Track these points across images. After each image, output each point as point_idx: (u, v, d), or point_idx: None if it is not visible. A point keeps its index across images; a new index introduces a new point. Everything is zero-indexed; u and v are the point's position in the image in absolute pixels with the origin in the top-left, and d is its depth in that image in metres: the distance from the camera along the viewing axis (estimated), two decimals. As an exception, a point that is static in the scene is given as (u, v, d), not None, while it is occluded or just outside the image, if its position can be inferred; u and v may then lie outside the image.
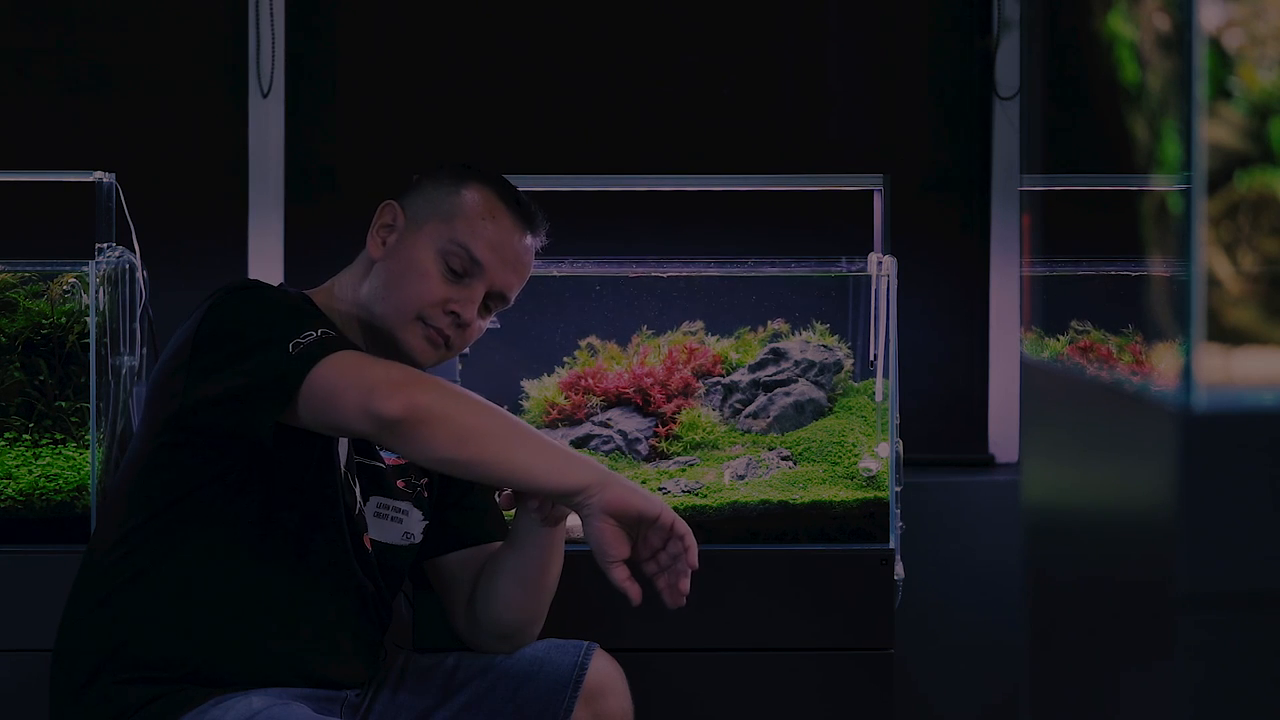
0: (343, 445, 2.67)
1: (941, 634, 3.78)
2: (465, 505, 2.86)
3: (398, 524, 2.77)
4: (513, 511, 2.78)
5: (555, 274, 3.28)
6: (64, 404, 3.15)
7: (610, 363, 3.33)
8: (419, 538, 2.81)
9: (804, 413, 3.29)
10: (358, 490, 2.70)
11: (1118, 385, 1.62)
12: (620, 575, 2.48)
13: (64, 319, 3.16)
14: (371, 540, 2.73)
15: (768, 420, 3.28)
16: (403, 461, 2.78)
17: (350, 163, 3.99)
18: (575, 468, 2.48)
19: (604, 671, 2.75)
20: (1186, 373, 1.38)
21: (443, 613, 2.86)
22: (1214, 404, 1.38)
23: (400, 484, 2.78)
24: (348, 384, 2.45)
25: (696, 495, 3.14)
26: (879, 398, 3.22)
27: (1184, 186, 1.39)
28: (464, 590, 2.83)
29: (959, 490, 3.84)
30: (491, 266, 2.70)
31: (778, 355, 3.32)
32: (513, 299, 2.78)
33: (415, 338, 2.69)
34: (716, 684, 3.08)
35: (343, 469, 2.65)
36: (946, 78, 4.05)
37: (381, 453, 2.77)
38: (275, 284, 2.72)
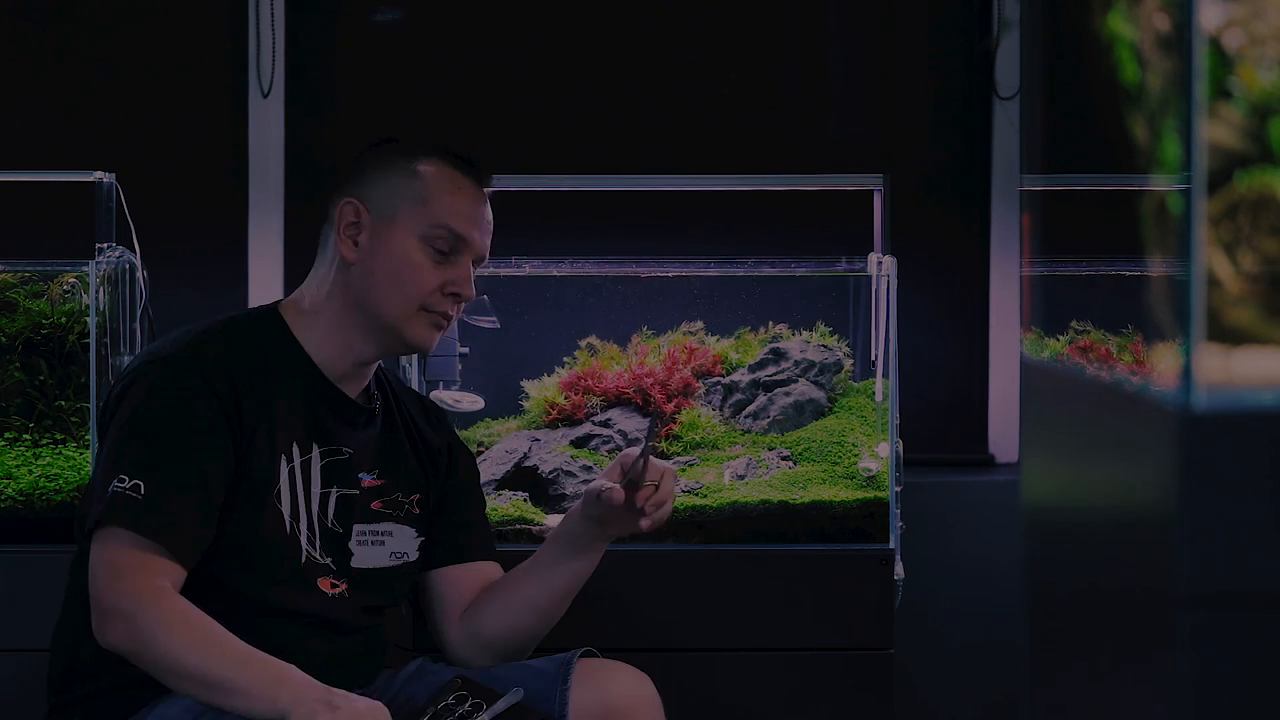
0: (308, 496, 2.65)
1: (941, 634, 3.78)
2: (456, 521, 2.84)
3: (381, 547, 2.74)
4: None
5: (555, 274, 3.28)
6: (64, 404, 3.15)
7: (610, 363, 3.33)
8: (414, 555, 2.78)
9: (804, 413, 3.29)
10: (317, 544, 2.67)
11: (1118, 385, 1.62)
12: None
13: (64, 319, 3.16)
14: (359, 568, 2.71)
15: (768, 420, 3.28)
16: (379, 482, 2.76)
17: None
18: (280, 692, 2.45)
19: (632, 694, 2.73)
20: (1186, 373, 1.38)
21: None
22: (1214, 404, 1.38)
23: (376, 505, 2.75)
24: (93, 575, 2.51)
25: (696, 495, 3.14)
26: (879, 398, 3.22)
27: (1184, 186, 1.39)
28: (449, 605, 2.82)
29: (959, 490, 3.84)
30: (472, 237, 2.70)
31: (778, 355, 3.32)
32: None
33: (421, 328, 2.69)
34: (716, 684, 3.08)
35: (288, 528, 2.63)
36: (946, 78, 4.05)
37: (360, 475, 2.74)
38: (215, 330, 2.68)
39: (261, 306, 2.76)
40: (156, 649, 2.45)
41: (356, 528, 2.70)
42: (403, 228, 2.68)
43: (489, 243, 2.76)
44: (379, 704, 2.47)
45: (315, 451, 2.66)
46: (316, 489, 2.65)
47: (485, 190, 2.76)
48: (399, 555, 2.76)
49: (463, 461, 2.87)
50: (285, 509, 2.62)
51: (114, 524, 2.50)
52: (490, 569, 2.85)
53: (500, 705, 2.60)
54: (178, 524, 2.52)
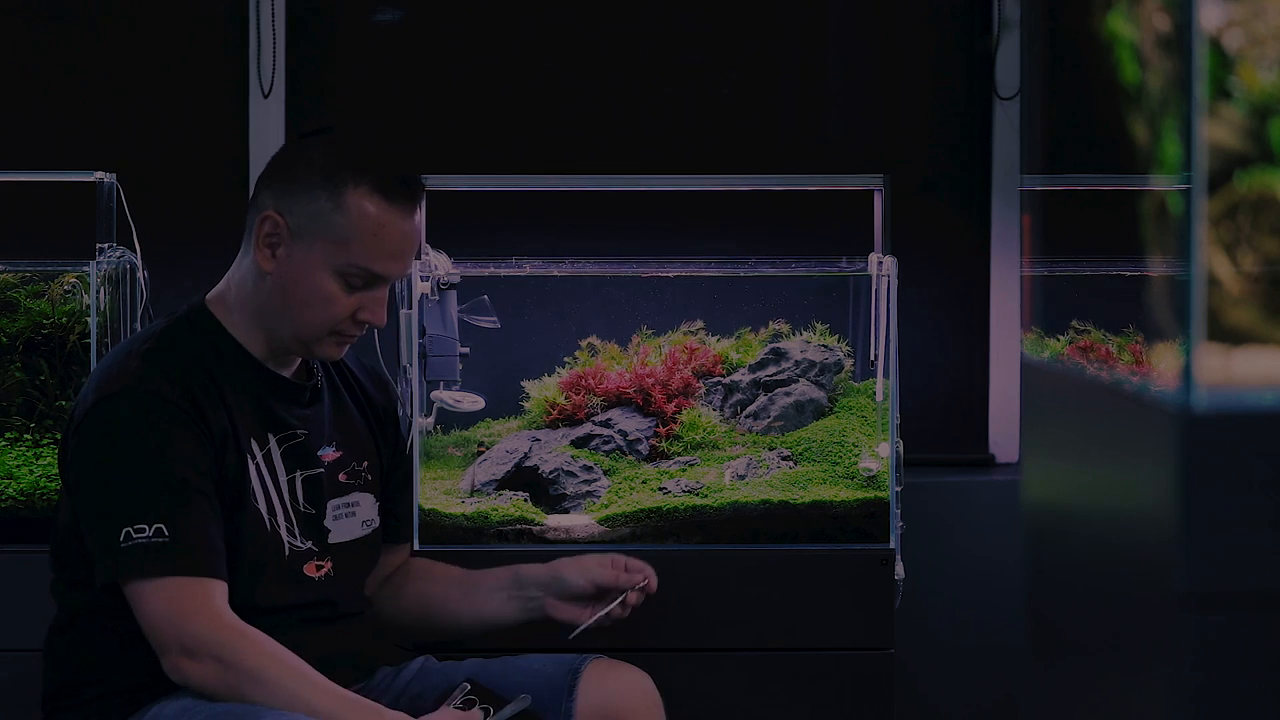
0: (277, 487, 2.67)
1: (941, 634, 3.78)
2: (398, 500, 2.92)
3: (353, 518, 2.77)
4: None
5: (555, 274, 3.28)
6: (65, 404, 3.15)
7: (610, 363, 3.33)
8: (378, 519, 2.83)
9: (804, 413, 3.29)
10: (296, 531, 2.68)
11: (1118, 385, 1.62)
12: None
13: (65, 319, 3.16)
14: (337, 543, 2.72)
15: (768, 420, 3.28)
16: (338, 454, 2.77)
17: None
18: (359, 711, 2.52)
19: (630, 694, 2.75)
20: (1186, 373, 1.38)
21: None
22: (1214, 404, 1.38)
23: (342, 478, 2.77)
24: (153, 625, 2.52)
25: (697, 495, 3.14)
26: (879, 398, 3.22)
27: (1184, 186, 1.39)
28: (372, 577, 2.91)
29: (959, 490, 3.84)
30: (390, 272, 2.66)
31: (778, 355, 3.32)
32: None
33: (329, 347, 2.68)
34: (717, 684, 3.08)
35: (268, 525, 2.64)
36: (946, 78, 4.04)
37: (319, 452, 2.75)
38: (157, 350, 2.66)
39: (189, 305, 2.72)
40: (247, 681, 2.49)
41: (331, 504, 2.72)
42: (320, 257, 2.62)
43: (411, 262, 2.72)
44: None
45: (273, 441, 2.67)
46: (283, 477, 2.67)
47: (417, 212, 2.69)
48: (369, 523, 2.80)
49: (401, 441, 2.93)
50: (261, 506, 2.63)
51: (153, 574, 2.51)
52: (404, 549, 2.97)
53: (506, 712, 2.61)
54: (208, 550, 2.55)
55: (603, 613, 2.78)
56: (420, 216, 2.71)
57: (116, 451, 2.56)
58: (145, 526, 2.51)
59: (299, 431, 2.70)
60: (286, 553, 2.65)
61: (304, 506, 2.69)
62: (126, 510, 2.53)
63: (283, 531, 2.65)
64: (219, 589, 2.54)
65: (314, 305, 2.63)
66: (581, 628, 2.77)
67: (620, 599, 2.79)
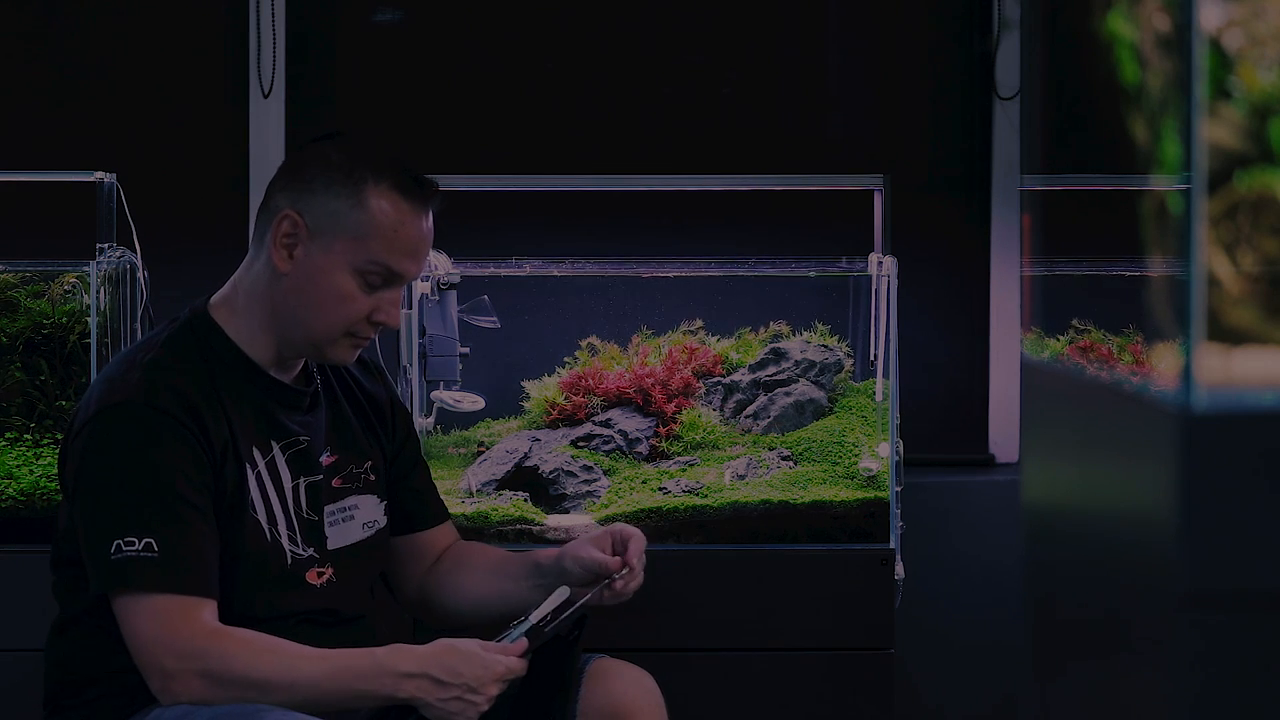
0: (280, 495, 2.66)
1: (941, 634, 3.78)
2: (413, 488, 2.89)
3: (352, 521, 2.76)
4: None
5: (555, 274, 3.28)
6: (65, 404, 3.16)
7: (610, 363, 3.33)
8: (384, 519, 2.81)
9: (804, 413, 3.29)
10: (298, 539, 2.68)
11: (1118, 385, 1.62)
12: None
13: (65, 319, 3.16)
14: (337, 549, 2.72)
15: (768, 420, 3.29)
16: (334, 458, 2.76)
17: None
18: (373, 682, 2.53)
19: (633, 693, 2.75)
20: (1186, 373, 1.38)
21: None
22: (1214, 404, 1.38)
23: (337, 483, 2.76)
24: (137, 643, 2.51)
25: (697, 495, 3.14)
26: (879, 398, 3.22)
27: (1184, 186, 1.39)
28: (409, 567, 2.89)
29: (959, 490, 3.84)
30: (407, 271, 2.66)
31: (778, 355, 3.33)
32: None
33: (343, 350, 2.67)
34: (717, 684, 3.08)
35: (268, 535, 2.64)
36: (946, 78, 4.05)
37: (319, 458, 2.74)
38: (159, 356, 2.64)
39: (191, 312, 2.71)
40: (239, 685, 2.49)
41: (326, 509, 2.72)
42: (339, 255, 2.63)
43: (425, 261, 2.72)
44: (489, 659, 2.54)
45: (276, 449, 2.66)
46: (288, 484, 2.66)
47: (431, 211, 2.69)
48: (370, 525, 2.78)
49: (403, 421, 2.89)
50: (261, 517, 2.62)
51: (139, 589, 2.51)
52: (445, 531, 2.91)
53: (546, 606, 2.62)
54: (198, 567, 2.54)
55: (583, 600, 2.72)
56: (432, 216, 2.71)
57: (114, 463, 2.56)
58: (135, 540, 2.50)
59: (302, 438, 2.70)
60: (289, 561, 2.65)
61: (307, 513, 2.69)
62: (119, 522, 2.52)
63: (284, 540, 2.65)
64: (207, 607, 2.53)
65: (331, 304, 2.63)
66: (562, 617, 2.72)
67: (604, 584, 2.75)
